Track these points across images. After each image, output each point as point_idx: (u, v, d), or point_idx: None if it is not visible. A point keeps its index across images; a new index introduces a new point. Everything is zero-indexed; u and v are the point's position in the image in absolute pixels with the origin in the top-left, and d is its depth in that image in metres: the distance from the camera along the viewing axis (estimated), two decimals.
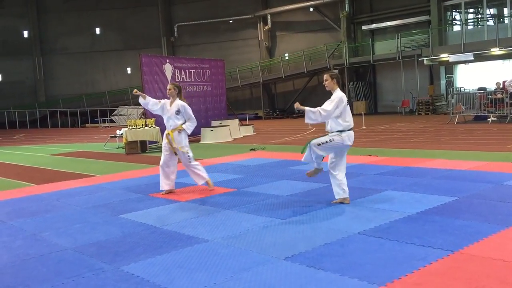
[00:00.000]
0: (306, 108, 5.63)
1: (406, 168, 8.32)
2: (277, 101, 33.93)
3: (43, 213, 6.47)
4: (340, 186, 5.87)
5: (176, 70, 16.74)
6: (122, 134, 14.57)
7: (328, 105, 5.63)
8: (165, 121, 7.37)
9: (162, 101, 7.41)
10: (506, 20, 24.76)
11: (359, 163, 9.14)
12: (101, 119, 30.44)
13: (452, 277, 3.53)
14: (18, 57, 35.32)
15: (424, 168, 8.16)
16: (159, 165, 7.38)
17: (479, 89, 21.16)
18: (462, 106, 18.72)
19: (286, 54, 32.71)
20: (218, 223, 5.40)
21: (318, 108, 5.64)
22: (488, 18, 25.52)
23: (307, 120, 5.72)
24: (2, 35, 34.96)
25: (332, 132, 5.75)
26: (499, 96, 17.34)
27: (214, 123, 17.43)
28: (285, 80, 32.16)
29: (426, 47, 25.36)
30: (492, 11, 25.99)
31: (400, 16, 27.55)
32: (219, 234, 4.93)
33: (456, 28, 26.25)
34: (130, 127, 14.27)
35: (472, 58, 23.26)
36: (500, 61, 24.07)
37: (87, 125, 31.50)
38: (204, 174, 7.32)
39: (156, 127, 14.03)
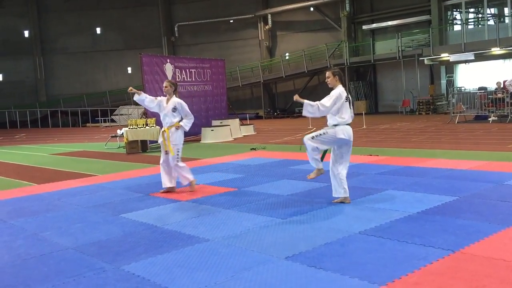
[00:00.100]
0: (305, 101, 5.68)
1: (406, 167, 8.32)
2: (277, 100, 33.94)
3: (44, 212, 6.47)
4: (341, 185, 5.87)
5: (177, 69, 16.74)
6: (122, 133, 14.58)
7: (327, 101, 5.67)
8: (161, 119, 7.40)
9: (158, 98, 7.42)
10: (507, 20, 24.74)
11: (359, 162, 9.13)
12: (102, 118, 30.46)
13: (452, 276, 3.53)
14: (18, 57, 35.34)
15: (424, 168, 8.16)
16: (159, 163, 7.39)
17: (480, 88, 21.16)
18: (462, 106, 18.71)
19: (287, 54, 32.71)
20: (218, 222, 5.40)
21: (317, 102, 5.68)
22: (489, 18, 25.51)
23: (304, 113, 5.77)
24: (3, 35, 34.97)
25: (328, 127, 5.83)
26: (499, 95, 17.33)
27: (214, 122, 17.43)
28: (285, 79, 32.16)
29: (426, 47, 25.36)
30: (492, 10, 25.97)
31: (400, 16, 27.54)
32: (219, 234, 4.93)
33: (457, 27, 26.24)
34: (131, 127, 14.27)
35: (473, 58, 23.25)
36: (501, 60, 24.06)
37: (88, 124, 31.51)
38: (189, 175, 7.31)
39: (157, 126, 14.03)
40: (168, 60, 16.68)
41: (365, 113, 21.58)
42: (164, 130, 7.29)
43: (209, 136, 16.27)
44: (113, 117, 30.54)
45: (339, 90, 5.76)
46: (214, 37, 34.70)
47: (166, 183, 7.31)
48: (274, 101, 33.88)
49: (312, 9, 31.26)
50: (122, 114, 29.54)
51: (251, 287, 3.55)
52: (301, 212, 5.62)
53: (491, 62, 24.29)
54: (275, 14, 32.95)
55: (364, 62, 28.19)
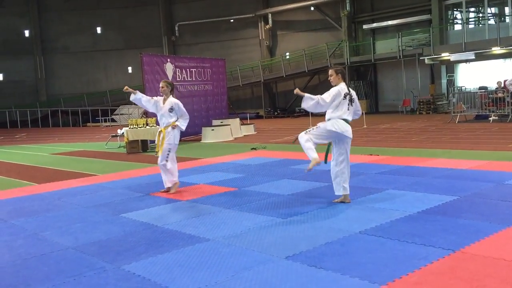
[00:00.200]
0: (306, 94, 5.73)
1: (407, 167, 8.32)
2: (278, 100, 33.93)
3: (44, 212, 6.47)
4: (339, 183, 5.87)
5: (177, 69, 16.74)
6: (123, 133, 14.58)
7: (327, 96, 5.73)
8: (158, 119, 7.42)
9: (155, 98, 7.42)
10: (507, 19, 24.72)
11: (360, 162, 9.13)
12: (102, 118, 30.46)
13: (453, 276, 3.52)
14: (19, 57, 35.34)
15: (425, 167, 8.16)
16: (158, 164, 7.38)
17: (480, 88, 21.15)
18: (463, 105, 18.71)
19: (287, 53, 32.70)
20: (219, 222, 5.40)
21: (318, 96, 5.74)
22: (489, 17, 25.49)
23: (303, 105, 5.80)
24: (3, 35, 34.98)
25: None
26: (500, 95, 17.32)
27: (215, 122, 17.43)
28: (286, 79, 32.15)
29: (427, 46, 25.34)
30: (493, 10, 25.95)
31: (401, 15, 27.52)
32: (220, 233, 4.93)
33: (457, 27, 26.21)
34: (131, 126, 14.28)
35: (473, 57, 23.24)
36: (501, 60, 24.04)
37: (88, 124, 31.52)
38: (174, 177, 7.24)
39: (157, 126, 13.99)
40: (168, 60, 16.68)
41: (365, 113, 21.55)
42: (161, 130, 7.27)
43: (210, 135, 16.27)
44: (113, 116, 30.54)
45: (339, 88, 5.79)
46: (215, 36, 34.70)
47: (167, 183, 7.31)
48: (275, 101, 33.88)
49: (312, 8, 31.24)
50: (122, 114, 29.55)
51: (252, 286, 3.55)
52: (301, 212, 5.62)
53: (491, 61, 24.27)
54: (275, 14, 32.94)
55: (365, 62, 28.18)
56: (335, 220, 5.21)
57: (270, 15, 32.97)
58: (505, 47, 22.13)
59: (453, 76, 25.74)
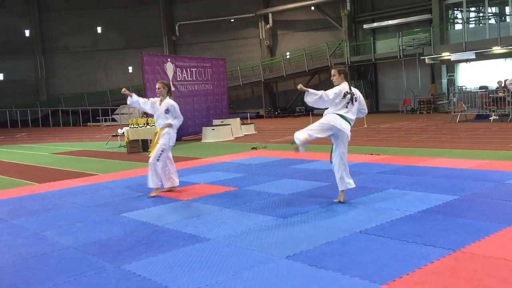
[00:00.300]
0: (310, 90, 5.77)
1: (407, 166, 8.32)
2: (278, 99, 33.93)
3: (44, 211, 6.48)
4: (336, 178, 5.90)
5: (178, 69, 16.74)
6: (123, 133, 14.58)
7: (330, 93, 5.77)
8: (155, 119, 7.40)
9: (151, 99, 7.39)
10: (508, 19, 24.70)
11: (360, 161, 9.13)
12: (103, 118, 30.47)
13: (453, 276, 3.52)
14: (19, 56, 35.34)
15: (425, 167, 8.16)
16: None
17: (481, 87, 21.14)
18: (463, 105, 18.70)
19: (288, 53, 32.70)
20: (219, 221, 5.40)
21: (322, 91, 5.76)
22: (490, 17, 25.47)
23: (307, 99, 5.81)
24: (4, 34, 34.99)
25: None
26: (500, 94, 17.32)
27: (215, 122, 17.43)
28: (286, 79, 32.14)
29: (427, 46, 25.33)
30: (493, 9, 25.94)
31: (401, 15, 27.51)
32: (220, 233, 4.93)
33: (458, 26, 26.20)
34: (132, 126, 14.28)
35: (474, 57, 23.22)
36: (502, 59, 24.02)
37: (88, 124, 31.52)
38: (158, 181, 7.07)
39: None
40: (169, 59, 16.68)
41: None
42: (157, 132, 7.23)
43: (210, 135, 16.27)
44: (114, 116, 30.53)
45: (340, 87, 5.82)
46: (215, 36, 34.69)
47: (166, 183, 7.30)
48: (275, 100, 33.88)
49: (313, 8, 31.23)
50: (123, 114, 29.55)
51: (252, 286, 3.55)
52: (302, 212, 5.62)
53: (492, 61, 24.26)
54: (276, 13, 32.94)
55: (365, 61, 28.17)
56: (336, 220, 5.21)
57: (270, 15, 32.96)
58: (506, 46, 22.12)
59: (453, 75, 25.73)
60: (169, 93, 7.30)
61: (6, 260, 4.50)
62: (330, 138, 5.91)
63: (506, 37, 22.43)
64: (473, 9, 26.49)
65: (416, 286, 3.39)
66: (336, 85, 5.89)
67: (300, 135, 5.66)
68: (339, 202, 5.93)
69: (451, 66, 25.86)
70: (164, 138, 7.08)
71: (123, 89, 7.48)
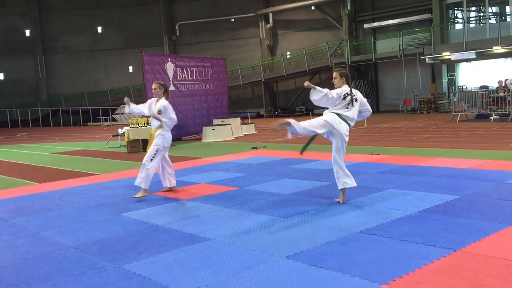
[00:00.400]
0: (317, 87, 5.76)
1: (408, 166, 8.32)
2: (278, 99, 33.93)
3: (45, 211, 6.48)
4: (335, 177, 5.90)
5: (178, 68, 16.73)
6: (124, 132, 14.58)
7: (334, 93, 5.79)
8: (150, 120, 7.35)
9: (149, 101, 7.34)
10: (508, 18, 24.69)
11: (360, 161, 9.13)
12: (103, 117, 30.46)
13: (454, 275, 3.52)
14: (20, 56, 35.35)
15: (426, 167, 8.16)
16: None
17: (481, 87, 21.13)
18: (464, 105, 18.69)
19: (288, 53, 32.69)
20: (219, 221, 5.40)
21: (327, 89, 5.77)
22: (490, 16, 25.46)
23: (312, 97, 5.80)
24: (4, 34, 34.99)
25: None
26: (501, 94, 17.32)
27: (215, 121, 17.43)
28: (286, 78, 32.14)
29: (428, 45, 25.32)
30: (494, 9, 25.92)
31: (402, 14, 27.50)
32: (220, 233, 4.93)
33: (458, 26, 26.19)
34: (132, 126, 14.28)
35: (474, 56, 23.22)
36: (502, 59, 24.01)
37: (89, 123, 31.52)
38: (147, 182, 6.84)
39: None
40: (169, 59, 16.67)
41: None
42: (152, 132, 7.18)
43: (210, 135, 16.27)
44: (114, 116, 30.52)
45: (340, 89, 5.84)
46: (215, 36, 34.69)
47: (165, 183, 7.30)
48: (275, 100, 33.87)
49: (313, 7, 31.22)
50: (123, 113, 29.49)
51: (252, 286, 3.55)
52: (302, 211, 5.62)
53: (492, 60, 24.25)
54: (276, 13, 32.94)
55: (366, 61, 28.16)
56: (336, 220, 5.21)
57: (270, 15, 32.96)
58: (506, 46, 22.11)
59: (454, 75, 25.72)
60: (166, 93, 7.17)
61: (6, 260, 4.50)
62: (329, 138, 5.92)
63: (507, 36, 22.42)
64: (473, 8, 26.48)
65: (416, 286, 3.39)
66: (336, 87, 5.92)
67: (293, 123, 5.69)
68: (339, 202, 5.92)
69: (451, 65, 25.85)
70: (158, 139, 6.96)
71: (126, 99, 7.38)
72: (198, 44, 34.89)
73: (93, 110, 32.19)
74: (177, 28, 35.46)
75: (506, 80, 17.68)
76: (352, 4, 29.48)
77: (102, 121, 30.43)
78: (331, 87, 5.95)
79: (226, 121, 17.32)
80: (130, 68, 35.76)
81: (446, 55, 24.15)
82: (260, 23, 33.75)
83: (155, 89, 7.15)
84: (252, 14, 33.26)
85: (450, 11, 26.45)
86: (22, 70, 35.64)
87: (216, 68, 18.75)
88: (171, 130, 7.22)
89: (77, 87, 35.88)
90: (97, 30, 36.07)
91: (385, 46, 28.02)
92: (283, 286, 3.52)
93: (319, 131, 5.76)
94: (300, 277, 3.66)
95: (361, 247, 4.26)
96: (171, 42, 35.89)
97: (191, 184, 7.90)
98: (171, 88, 16.15)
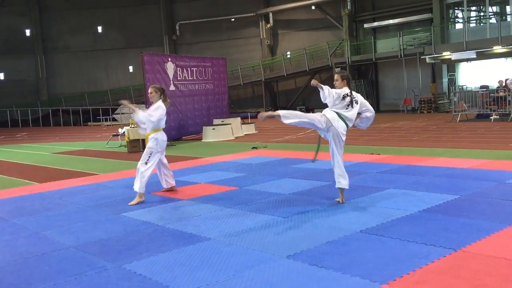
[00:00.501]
0: (324, 86, 5.83)
1: (408, 166, 8.31)
2: (279, 99, 33.93)
3: (45, 211, 6.48)
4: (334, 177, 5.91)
5: (178, 68, 16.73)
6: (124, 132, 14.57)
7: (334, 93, 5.85)
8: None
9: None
10: (509, 18, 24.69)
11: (361, 161, 9.13)
12: (103, 117, 30.45)
13: (454, 275, 3.52)
14: (20, 56, 35.36)
15: (426, 167, 8.15)
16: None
17: (482, 87, 21.13)
18: (464, 104, 18.69)
19: (288, 52, 32.69)
20: (220, 221, 5.40)
21: (328, 87, 5.86)
22: (491, 16, 25.46)
23: (321, 94, 5.88)
24: (4, 34, 34.99)
25: None
26: (501, 94, 17.32)
27: (216, 121, 17.42)
28: (287, 78, 32.15)
29: (428, 45, 25.32)
30: (494, 9, 25.92)
31: (402, 14, 27.50)
32: (221, 232, 4.93)
33: (459, 26, 26.18)
34: (132, 126, 14.27)
35: (475, 56, 23.21)
36: (503, 59, 24.01)
37: (89, 123, 31.51)
38: (142, 185, 6.68)
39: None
40: (169, 59, 16.67)
41: None
42: (146, 135, 7.14)
43: (211, 134, 16.27)
44: (114, 116, 30.52)
45: (341, 90, 5.90)
46: (216, 35, 34.71)
47: (164, 184, 7.28)
48: (276, 100, 33.88)
49: (313, 7, 31.23)
50: (123, 113, 29.51)
51: (253, 285, 3.55)
52: (302, 211, 5.62)
53: (493, 60, 24.25)
54: (276, 13, 32.95)
55: (366, 61, 28.16)
56: (336, 219, 5.21)
57: (271, 14, 32.97)
58: (507, 46, 22.10)
59: (454, 75, 25.72)
60: (163, 96, 6.97)
61: (6, 260, 4.50)
62: (326, 137, 5.93)
63: (507, 36, 22.42)
64: (473, 8, 26.48)
65: (416, 286, 3.39)
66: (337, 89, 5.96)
67: (282, 117, 5.71)
68: (339, 202, 5.93)
69: (451, 65, 25.85)
70: (151, 142, 6.84)
71: (128, 103, 7.28)
72: (198, 44, 34.90)
73: (93, 110, 32.18)
74: (177, 28, 35.47)
75: (506, 80, 17.68)
76: (352, 4, 29.49)
77: (102, 121, 30.43)
78: (331, 87, 5.98)
79: (226, 121, 17.31)
80: (131, 68, 35.77)
81: (447, 54, 24.15)
82: (260, 23, 33.76)
83: (151, 93, 6.96)
84: (252, 14, 33.27)
85: (451, 11, 26.45)
86: (22, 70, 35.66)
87: (216, 68, 18.76)
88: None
89: (77, 87, 35.89)
90: (97, 30, 36.08)
91: (386, 46, 28.02)
92: (284, 286, 3.52)
93: (318, 125, 5.78)
94: (300, 276, 3.66)
95: (362, 246, 4.26)
96: (171, 42, 35.90)
97: (191, 184, 7.90)
98: (171, 87, 16.16)
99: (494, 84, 20.06)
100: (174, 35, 35.80)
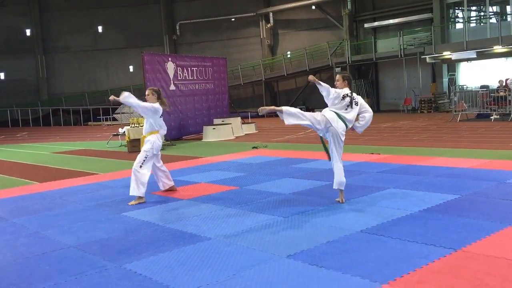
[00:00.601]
0: (321, 82, 5.85)
1: (408, 166, 8.31)
2: (279, 99, 33.92)
3: (45, 211, 6.48)
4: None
5: (178, 68, 16.73)
6: (124, 132, 14.58)
7: (333, 91, 5.88)
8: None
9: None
10: (509, 18, 24.68)
11: (361, 161, 9.13)
12: (104, 117, 30.45)
13: (454, 275, 3.52)
14: (20, 56, 35.35)
15: (426, 166, 8.15)
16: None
17: (482, 87, 21.12)
18: (464, 104, 18.68)
19: (288, 52, 32.68)
20: (220, 221, 5.40)
21: (328, 86, 5.87)
22: (491, 16, 25.45)
23: (321, 89, 5.89)
24: (5, 34, 34.98)
25: None
26: (501, 94, 17.31)
27: (216, 121, 17.43)
28: (287, 78, 32.14)
29: (428, 45, 25.30)
30: (494, 8, 25.91)
31: (402, 14, 27.49)
32: (221, 232, 4.93)
33: (459, 25, 26.18)
34: (133, 125, 14.28)
35: (475, 56, 23.21)
36: (503, 59, 24.00)
37: (89, 123, 31.51)
38: (141, 188, 6.60)
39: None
40: (169, 59, 16.67)
41: None
42: (143, 137, 7.13)
43: (211, 134, 16.27)
44: (114, 115, 30.50)
45: (341, 90, 5.92)
46: (216, 35, 34.70)
47: (160, 187, 7.27)
48: (276, 100, 33.86)
49: (313, 7, 31.22)
50: (123, 113, 29.50)
51: (253, 285, 3.55)
52: (302, 211, 5.62)
53: (493, 60, 24.24)
54: (276, 13, 32.94)
55: (366, 61, 28.15)
56: (336, 219, 5.21)
57: (271, 14, 32.96)
58: (507, 45, 22.09)
59: (454, 74, 25.71)
60: (160, 99, 6.94)
61: (7, 259, 4.51)
62: (325, 137, 5.93)
63: (507, 36, 22.41)
64: (474, 8, 26.47)
65: (417, 285, 3.39)
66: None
67: (285, 115, 5.70)
68: (339, 201, 5.93)
69: (452, 65, 25.84)
70: (147, 145, 6.84)
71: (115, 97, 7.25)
72: (199, 43, 34.90)
73: (94, 110, 32.18)
74: (177, 27, 35.46)
75: (506, 80, 17.67)
76: (352, 4, 29.48)
77: (103, 121, 30.43)
78: (332, 87, 5.98)
79: (227, 120, 17.32)
80: (131, 68, 35.76)
81: (447, 54, 24.14)
82: (260, 23, 33.75)
83: (147, 95, 6.95)
84: (252, 14, 33.26)
85: (451, 11, 26.44)
86: (23, 69, 35.65)
87: (216, 67, 18.76)
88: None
89: (77, 87, 35.89)
90: (97, 29, 36.06)
91: (386, 46, 28.01)
92: (284, 286, 3.52)
93: (316, 126, 5.78)
94: (300, 276, 3.66)
95: (362, 246, 4.26)
96: (171, 42, 35.89)
97: (191, 183, 7.90)
98: (172, 87, 16.17)
99: (494, 84, 20.05)
100: (174, 35, 35.79)
